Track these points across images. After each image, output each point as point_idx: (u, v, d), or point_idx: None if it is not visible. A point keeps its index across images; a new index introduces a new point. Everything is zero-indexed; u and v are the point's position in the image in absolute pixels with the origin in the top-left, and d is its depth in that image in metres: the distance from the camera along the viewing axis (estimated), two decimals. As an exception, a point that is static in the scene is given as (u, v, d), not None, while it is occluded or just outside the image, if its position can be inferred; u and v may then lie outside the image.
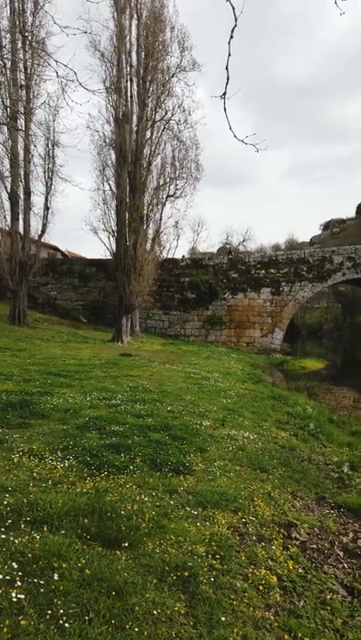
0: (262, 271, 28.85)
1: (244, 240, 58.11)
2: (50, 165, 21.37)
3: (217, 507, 4.24)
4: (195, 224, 60.18)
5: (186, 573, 3.07)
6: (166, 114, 23.14)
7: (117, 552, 3.22)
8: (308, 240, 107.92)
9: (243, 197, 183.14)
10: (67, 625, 2.43)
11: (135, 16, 21.73)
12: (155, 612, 2.67)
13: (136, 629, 2.51)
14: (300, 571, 3.54)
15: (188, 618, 2.71)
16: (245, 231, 72.46)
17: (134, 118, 21.84)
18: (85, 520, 3.52)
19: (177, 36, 22.60)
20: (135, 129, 21.74)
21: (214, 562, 3.32)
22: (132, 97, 21.74)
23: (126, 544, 3.31)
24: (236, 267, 29.05)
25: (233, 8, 2.63)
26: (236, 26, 2.61)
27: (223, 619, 2.74)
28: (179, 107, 23.20)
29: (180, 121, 23.66)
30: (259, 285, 28.74)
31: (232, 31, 2.64)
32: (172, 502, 4.17)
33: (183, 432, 6.43)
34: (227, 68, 2.79)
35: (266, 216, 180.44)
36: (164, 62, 22.46)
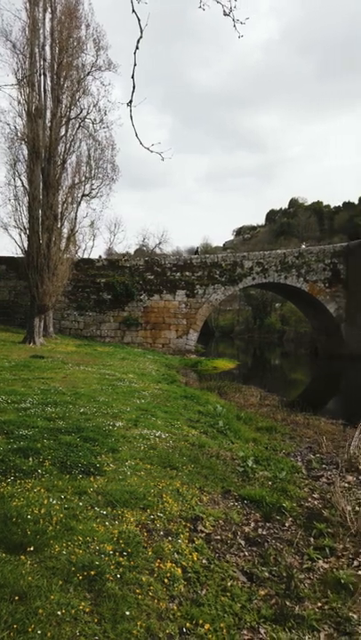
0: (178, 274, 29.37)
1: (160, 243, 58.63)
2: None
3: (126, 505, 4.30)
4: (111, 225, 59.74)
5: (92, 572, 3.10)
6: (82, 112, 22.73)
7: (22, 557, 3.17)
8: (222, 245, 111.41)
9: (161, 200, 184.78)
10: (-35, 634, 2.36)
11: (49, 9, 21.14)
12: (59, 612, 2.67)
13: (39, 631, 2.50)
14: (204, 561, 3.71)
15: (92, 615, 2.74)
16: (162, 234, 73.27)
17: (48, 114, 21.23)
18: (-12, 527, 3.42)
19: (92, 34, 22.29)
20: (49, 125, 21.15)
21: (121, 559, 3.38)
22: (45, 92, 21.12)
23: (32, 548, 3.27)
24: (153, 269, 29.30)
25: (138, 19, 2.72)
26: (141, 37, 2.70)
27: (128, 613, 2.81)
28: (94, 106, 22.89)
29: (95, 120, 23.34)
30: (174, 287, 29.21)
31: (138, 42, 2.73)
32: (81, 504, 4.16)
33: (95, 434, 6.41)
34: (133, 77, 2.87)
35: (183, 220, 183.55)
36: (80, 59, 22.07)
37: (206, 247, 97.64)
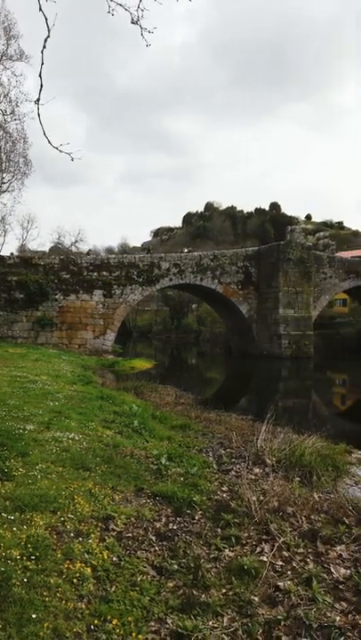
0: (95, 273, 28.97)
1: (76, 241, 57.42)
2: None
3: (36, 509, 4.22)
4: (24, 221, 57.42)
5: (-2, 579, 3.02)
6: (-8, 102, 21.71)
7: None
8: (140, 245, 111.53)
9: (79, 198, 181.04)
10: None
11: None
12: None
13: None
14: (114, 559, 3.75)
15: (-3, 622, 2.68)
16: (78, 232, 71.80)
17: None
18: None
19: (2, 21, 21.41)
20: None
21: (29, 563, 3.32)
22: None
23: None
24: (68, 268, 28.64)
25: (46, 19, 2.70)
26: (48, 37, 2.68)
27: (34, 616, 2.78)
28: (5, 96, 22.00)
29: (6, 111, 22.44)
30: (91, 287, 28.78)
31: (45, 41, 2.70)
32: (-14, 511, 4.02)
33: (4, 438, 6.19)
34: (40, 76, 2.84)
35: (101, 218, 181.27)
36: (-10, 47, 21.08)
37: (124, 247, 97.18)
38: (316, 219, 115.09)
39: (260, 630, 3.18)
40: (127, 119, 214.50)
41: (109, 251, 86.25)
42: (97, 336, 28.76)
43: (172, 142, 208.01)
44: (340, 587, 3.69)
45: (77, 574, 3.34)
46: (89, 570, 3.44)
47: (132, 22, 3.15)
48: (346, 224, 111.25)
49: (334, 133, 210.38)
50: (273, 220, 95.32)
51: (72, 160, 3.41)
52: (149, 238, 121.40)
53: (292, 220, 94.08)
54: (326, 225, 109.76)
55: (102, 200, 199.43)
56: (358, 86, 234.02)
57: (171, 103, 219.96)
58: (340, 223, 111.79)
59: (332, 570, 3.90)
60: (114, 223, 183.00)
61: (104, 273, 29.14)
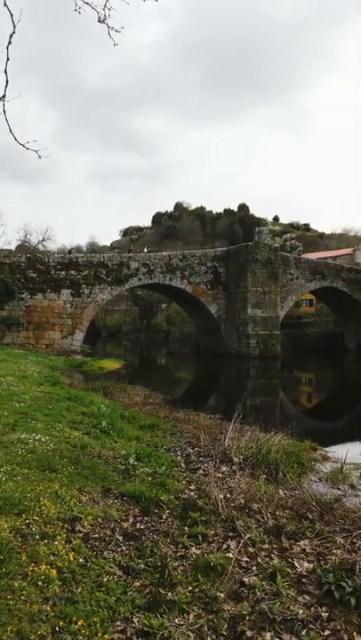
0: (63, 272, 28.60)
1: (43, 239, 56.45)
2: None
3: (0, 512, 4.14)
4: (-10, 218, 56.04)
5: None
6: None
7: None
8: (109, 244, 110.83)
9: (47, 195, 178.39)
10: None
11: None
12: None
13: None
14: (80, 560, 3.73)
15: None
16: (45, 230, 70.59)
17: None
18: None
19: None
20: None
21: (-7, 567, 3.27)
22: None
23: None
24: (36, 266, 28.17)
25: (11, 14, 2.66)
26: (14, 32, 2.64)
27: (-2, 620, 2.74)
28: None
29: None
30: (59, 287, 28.40)
31: (10, 37, 2.66)
32: None
33: (-33, 440, 6.05)
34: (5, 72, 2.79)
35: (69, 217, 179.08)
36: None
37: (93, 246, 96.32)
38: (284, 220, 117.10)
39: (226, 626, 3.23)
40: (97, 117, 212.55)
41: (78, 250, 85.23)
42: (65, 336, 28.40)
43: (143, 141, 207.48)
44: (304, 580, 3.78)
45: (43, 577, 3.30)
46: (54, 572, 3.41)
47: (99, 21, 3.13)
48: (312, 226, 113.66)
49: (302, 135, 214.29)
50: (241, 221, 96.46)
51: (39, 158, 3.37)
52: (119, 237, 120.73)
53: (260, 222, 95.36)
54: (293, 227, 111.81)
55: (71, 198, 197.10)
56: (325, 88, 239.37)
57: (141, 102, 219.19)
58: (307, 225, 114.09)
59: (296, 564, 4.00)
60: (83, 222, 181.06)
61: (72, 272, 28.81)
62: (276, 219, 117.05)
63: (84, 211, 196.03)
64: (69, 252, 45.45)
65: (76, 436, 7.72)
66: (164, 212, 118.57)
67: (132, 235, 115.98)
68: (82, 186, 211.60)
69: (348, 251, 77.15)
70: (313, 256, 61.17)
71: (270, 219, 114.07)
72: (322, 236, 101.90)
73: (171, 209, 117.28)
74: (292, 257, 38.75)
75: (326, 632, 3.20)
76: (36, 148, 3.35)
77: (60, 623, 2.87)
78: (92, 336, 48.41)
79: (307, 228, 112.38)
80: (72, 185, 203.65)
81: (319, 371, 33.08)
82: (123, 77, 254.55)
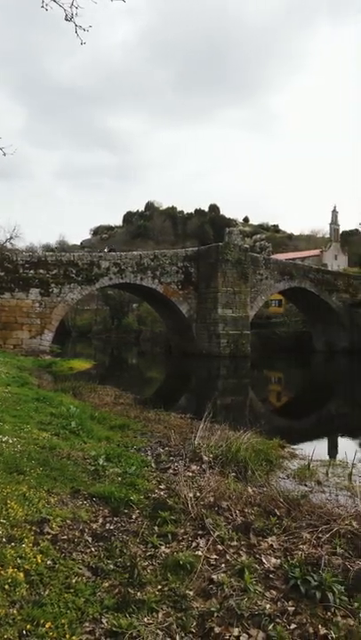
0: (31, 271, 28.15)
1: (11, 237, 55.33)
2: None
3: (-35, 516, 4.06)
4: None
5: None
6: None
7: None
8: (80, 243, 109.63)
9: (16, 192, 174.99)
10: None
11: None
12: None
13: None
14: (48, 563, 3.69)
15: None
16: (13, 228, 69.23)
17: None
18: None
19: None
20: None
21: None
22: None
23: None
24: (3, 265, 27.63)
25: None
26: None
27: None
28: None
29: None
30: (27, 286, 27.93)
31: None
32: None
33: None
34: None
35: (39, 215, 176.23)
36: None
37: (63, 245, 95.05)
38: (254, 221, 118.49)
39: (194, 623, 3.26)
40: (68, 115, 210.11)
41: (47, 248, 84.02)
42: (34, 336, 27.96)
43: (114, 140, 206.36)
44: (271, 576, 3.84)
45: (9, 580, 3.25)
46: (22, 575, 3.36)
47: (66, 19, 3.08)
48: (281, 227, 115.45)
49: (271, 136, 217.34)
50: (212, 222, 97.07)
51: (4, 155, 3.31)
52: (89, 236, 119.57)
53: (230, 222, 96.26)
54: (263, 228, 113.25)
55: (41, 196, 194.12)
56: (293, 89, 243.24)
57: (113, 101, 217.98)
58: (276, 226, 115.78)
59: (264, 560, 4.06)
60: (52, 220, 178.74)
61: (41, 271, 28.38)
62: (246, 220, 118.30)
63: (54, 209, 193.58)
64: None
65: (44, 438, 7.62)
66: (135, 211, 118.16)
67: (102, 234, 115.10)
68: (52, 183, 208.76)
69: (316, 252, 78.82)
70: (282, 257, 62.12)
71: (240, 219, 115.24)
72: (291, 237, 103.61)
73: (142, 208, 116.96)
74: (262, 257, 39.25)
75: (293, 626, 3.26)
76: (2, 144, 3.30)
77: (28, 626, 2.84)
78: (62, 336, 47.83)
79: (276, 229, 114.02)
80: (42, 182, 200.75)
81: (288, 370, 33.63)
82: (94, 75, 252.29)
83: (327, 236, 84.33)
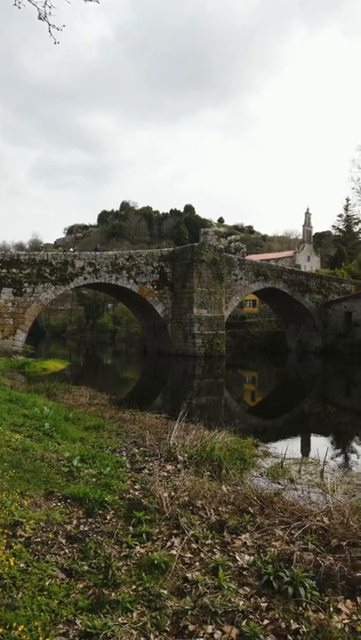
0: (4, 270, 27.70)
1: (-16, 236, 54.38)
2: None
3: None
4: None
5: None
6: None
7: None
8: (53, 242, 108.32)
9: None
10: None
11: None
12: None
13: None
14: (21, 565, 3.65)
15: None
16: (-13, 227, 67.86)
17: None
18: None
19: None
20: None
21: None
22: None
23: None
24: (-25, 264, 27.09)
25: None
26: None
27: None
28: None
29: None
30: (0, 285, 27.46)
31: None
32: None
33: None
34: None
35: (11, 213, 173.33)
36: None
37: (36, 244, 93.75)
38: (229, 222, 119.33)
39: (169, 622, 3.28)
40: (43, 113, 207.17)
41: (20, 247, 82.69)
42: (6, 336, 27.51)
43: (90, 139, 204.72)
44: (244, 573, 3.90)
45: (-19, 584, 3.21)
46: (-6, 579, 3.32)
47: (40, 18, 3.05)
48: (256, 228, 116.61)
49: (247, 138, 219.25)
50: (187, 222, 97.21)
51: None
52: (63, 235, 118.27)
53: (205, 223, 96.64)
54: (238, 229, 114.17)
55: (14, 194, 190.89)
56: (269, 92, 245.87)
57: (89, 100, 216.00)
58: (251, 227, 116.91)
59: (237, 557, 4.11)
60: (26, 219, 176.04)
61: (14, 270, 27.94)
62: (221, 220, 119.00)
63: (28, 207, 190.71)
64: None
65: (17, 439, 7.52)
66: (110, 210, 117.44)
67: (76, 233, 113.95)
68: (26, 181, 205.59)
69: (290, 253, 79.88)
70: (257, 258, 62.78)
71: (215, 220, 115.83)
72: (265, 238, 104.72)
73: (117, 208, 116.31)
74: (237, 258, 39.55)
75: (265, 621, 3.32)
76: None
77: (0, 630, 2.81)
78: (35, 336, 47.17)
79: (250, 230, 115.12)
80: (16, 180, 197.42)
81: (262, 370, 33.98)
82: (69, 73, 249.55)
83: (300, 237, 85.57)
